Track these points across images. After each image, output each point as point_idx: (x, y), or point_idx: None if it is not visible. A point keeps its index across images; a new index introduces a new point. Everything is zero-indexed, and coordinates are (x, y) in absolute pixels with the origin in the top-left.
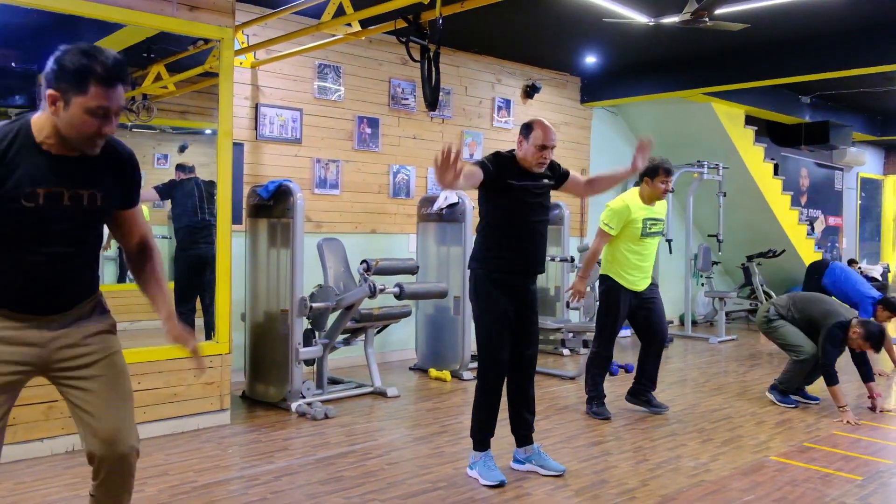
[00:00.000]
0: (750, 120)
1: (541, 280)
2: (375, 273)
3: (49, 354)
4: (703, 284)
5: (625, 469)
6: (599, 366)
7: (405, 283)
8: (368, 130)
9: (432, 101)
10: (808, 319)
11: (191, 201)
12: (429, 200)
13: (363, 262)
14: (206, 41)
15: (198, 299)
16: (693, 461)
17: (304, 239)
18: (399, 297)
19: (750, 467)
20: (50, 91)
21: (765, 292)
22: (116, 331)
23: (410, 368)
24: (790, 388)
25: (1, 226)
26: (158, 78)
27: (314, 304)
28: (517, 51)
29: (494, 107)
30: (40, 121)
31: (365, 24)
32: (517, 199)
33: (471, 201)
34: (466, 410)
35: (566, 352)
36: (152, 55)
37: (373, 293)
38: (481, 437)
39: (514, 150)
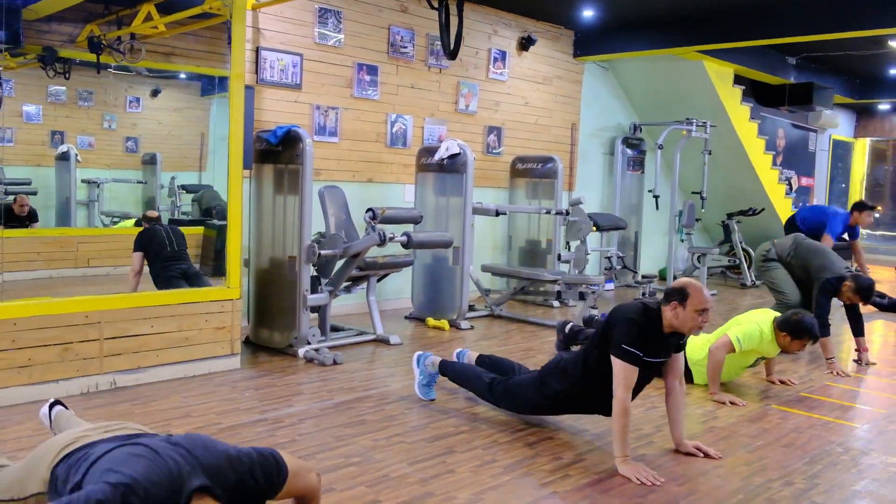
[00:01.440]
0: (737, 79)
1: (533, 232)
2: (381, 222)
3: None
4: (682, 241)
5: (637, 415)
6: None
7: (412, 232)
8: (367, 78)
9: (454, 51)
10: (804, 268)
11: (162, 245)
12: (428, 150)
13: (369, 210)
14: None
15: None
16: (700, 409)
17: (312, 186)
18: (406, 245)
19: (755, 415)
20: None
21: (743, 249)
22: None
23: (406, 317)
24: None
25: None
26: (149, 18)
27: (322, 252)
28: (513, 1)
29: (490, 58)
30: None
31: None
32: (642, 374)
33: (472, 152)
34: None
35: (556, 304)
36: None
37: (382, 241)
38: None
39: (645, 312)
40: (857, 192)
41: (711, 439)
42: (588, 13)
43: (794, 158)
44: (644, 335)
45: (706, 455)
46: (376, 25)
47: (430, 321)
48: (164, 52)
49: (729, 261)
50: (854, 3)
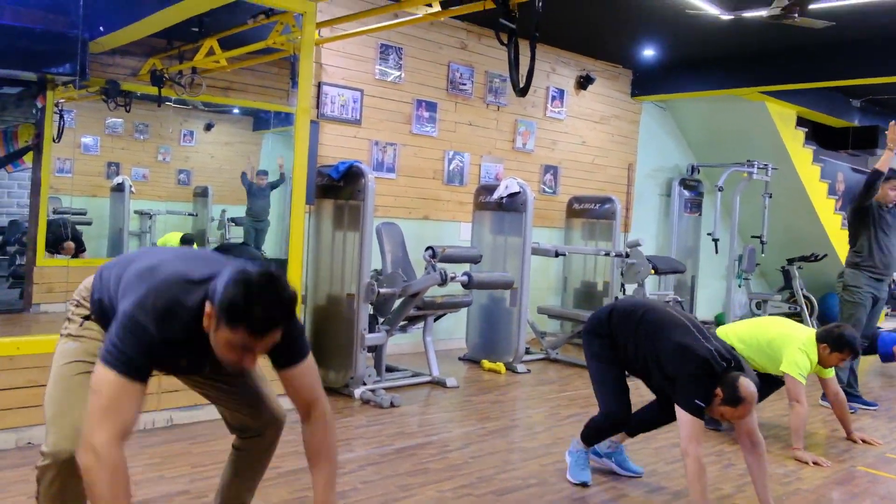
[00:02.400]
0: (799, 121)
1: (589, 274)
2: (441, 261)
3: None
4: (740, 286)
5: (715, 473)
6: None
7: (473, 272)
8: (426, 114)
9: (524, 88)
10: None
11: None
12: (487, 189)
13: (429, 248)
14: (268, 15)
15: None
16: (781, 468)
17: (373, 222)
18: (467, 286)
19: (841, 477)
20: (208, 307)
21: (805, 296)
22: None
23: (460, 358)
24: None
25: None
26: (211, 52)
27: (381, 290)
28: (572, 40)
29: (548, 96)
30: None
31: (445, 4)
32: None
33: (532, 192)
34: (531, 404)
35: None
36: (203, 28)
37: (443, 281)
38: (596, 439)
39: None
40: None
41: (798, 502)
42: (648, 52)
43: None
44: (709, 389)
45: None
46: (436, 62)
47: (486, 363)
48: (221, 87)
49: (789, 308)
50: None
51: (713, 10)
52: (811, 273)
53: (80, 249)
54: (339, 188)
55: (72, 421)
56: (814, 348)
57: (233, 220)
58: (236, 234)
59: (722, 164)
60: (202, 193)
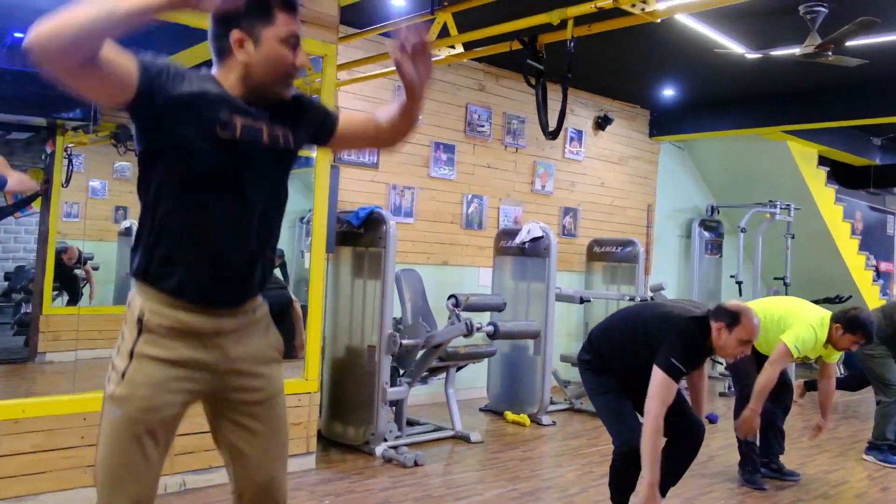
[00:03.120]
0: (820, 160)
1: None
2: (465, 309)
3: (222, 382)
4: None
5: None
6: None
7: (499, 321)
8: (444, 157)
9: (554, 131)
10: None
11: None
12: (507, 233)
13: (452, 297)
14: None
15: None
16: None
17: (394, 270)
18: (493, 336)
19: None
20: (235, 34)
21: None
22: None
23: (481, 409)
24: (886, 440)
25: (184, 169)
26: None
27: (404, 341)
28: (590, 81)
29: (567, 137)
30: (219, 76)
31: (469, 45)
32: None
33: (555, 236)
34: (562, 462)
35: None
36: None
37: (469, 331)
38: (621, 491)
39: (698, 326)
40: None
41: None
42: (667, 92)
43: (872, 241)
44: (693, 351)
45: None
46: (454, 104)
47: (509, 415)
48: None
49: None
50: None
51: (739, 49)
52: None
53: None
54: (358, 235)
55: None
56: (825, 328)
57: None
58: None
59: (742, 205)
60: None
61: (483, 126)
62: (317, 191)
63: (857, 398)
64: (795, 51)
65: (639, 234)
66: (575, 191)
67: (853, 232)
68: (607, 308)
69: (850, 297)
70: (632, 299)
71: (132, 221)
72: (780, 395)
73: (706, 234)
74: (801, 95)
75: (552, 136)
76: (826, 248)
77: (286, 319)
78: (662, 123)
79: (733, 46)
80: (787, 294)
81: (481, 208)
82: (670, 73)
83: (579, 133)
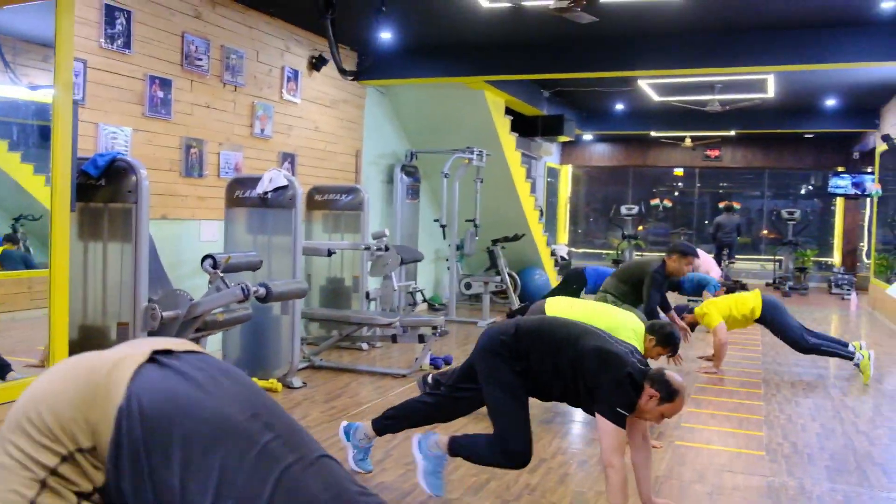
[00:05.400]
0: (506, 110)
1: (335, 270)
2: (225, 271)
3: None
4: (449, 269)
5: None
6: None
7: (270, 282)
8: (160, 94)
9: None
10: (631, 278)
11: None
12: (243, 182)
13: (208, 257)
14: None
15: None
16: None
17: (148, 230)
18: (265, 299)
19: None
20: None
21: (508, 274)
22: None
23: None
24: None
25: None
26: None
27: (165, 314)
28: (305, 17)
29: (284, 77)
30: None
31: None
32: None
33: (300, 185)
34: (333, 427)
35: (365, 346)
36: None
37: (246, 296)
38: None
39: (634, 377)
40: (564, 214)
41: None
42: (384, 35)
43: None
44: (630, 405)
45: None
46: (168, 31)
47: (258, 382)
48: None
49: (496, 286)
50: (602, 47)
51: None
52: (513, 253)
53: None
54: (97, 188)
55: None
56: (643, 338)
57: None
58: None
59: (439, 151)
60: None
61: (201, 60)
62: (56, 134)
63: None
64: (550, 2)
65: (349, 179)
66: (292, 135)
67: (527, 176)
68: (329, 258)
69: (524, 235)
70: (367, 248)
71: None
72: None
73: (407, 179)
74: (502, 48)
75: (343, 72)
76: (508, 191)
77: None
78: (370, 67)
79: None
80: (476, 235)
81: (201, 154)
82: (386, 16)
83: (296, 73)
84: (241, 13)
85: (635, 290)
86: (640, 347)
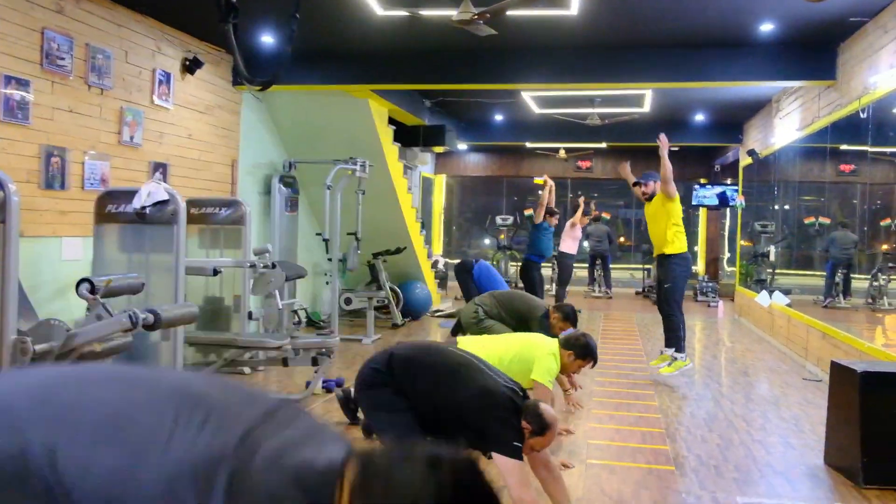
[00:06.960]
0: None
1: (214, 289)
2: (105, 296)
3: None
4: (328, 283)
5: None
6: None
7: (159, 307)
8: (17, 95)
9: (250, 79)
10: (516, 315)
11: None
12: (116, 196)
13: (84, 281)
14: None
15: None
16: None
17: (19, 252)
18: (153, 326)
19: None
20: None
21: (390, 288)
22: None
23: None
24: None
25: None
26: None
27: (37, 348)
28: (178, 15)
29: (155, 80)
30: None
31: None
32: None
33: (182, 199)
34: None
35: (247, 370)
36: None
37: (135, 324)
38: None
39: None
40: (438, 221)
41: None
42: (265, 39)
43: None
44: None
45: None
46: (26, 26)
47: None
48: None
49: (378, 301)
50: (492, 60)
51: (374, 5)
52: (394, 265)
53: None
54: None
55: None
56: (558, 355)
57: None
58: None
59: (320, 161)
60: None
61: (64, 59)
62: None
63: None
64: (454, 13)
65: (224, 191)
66: (164, 143)
67: (409, 188)
68: (206, 277)
69: (405, 248)
70: (252, 266)
71: None
72: None
73: (285, 190)
74: (391, 57)
75: (250, 81)
76: (390, 203)
77: None
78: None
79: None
80: (358, 249)
81: (63, 163)
82: (266, 19)
83: (168, 76)
84: (108, 9)
85: (516, 323)
86: (558, 366)
